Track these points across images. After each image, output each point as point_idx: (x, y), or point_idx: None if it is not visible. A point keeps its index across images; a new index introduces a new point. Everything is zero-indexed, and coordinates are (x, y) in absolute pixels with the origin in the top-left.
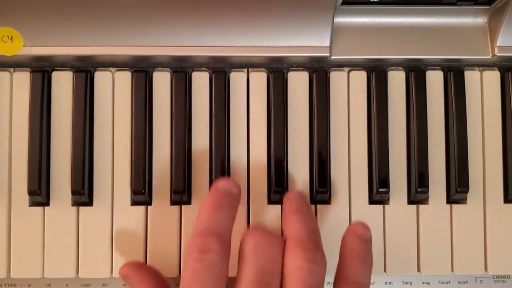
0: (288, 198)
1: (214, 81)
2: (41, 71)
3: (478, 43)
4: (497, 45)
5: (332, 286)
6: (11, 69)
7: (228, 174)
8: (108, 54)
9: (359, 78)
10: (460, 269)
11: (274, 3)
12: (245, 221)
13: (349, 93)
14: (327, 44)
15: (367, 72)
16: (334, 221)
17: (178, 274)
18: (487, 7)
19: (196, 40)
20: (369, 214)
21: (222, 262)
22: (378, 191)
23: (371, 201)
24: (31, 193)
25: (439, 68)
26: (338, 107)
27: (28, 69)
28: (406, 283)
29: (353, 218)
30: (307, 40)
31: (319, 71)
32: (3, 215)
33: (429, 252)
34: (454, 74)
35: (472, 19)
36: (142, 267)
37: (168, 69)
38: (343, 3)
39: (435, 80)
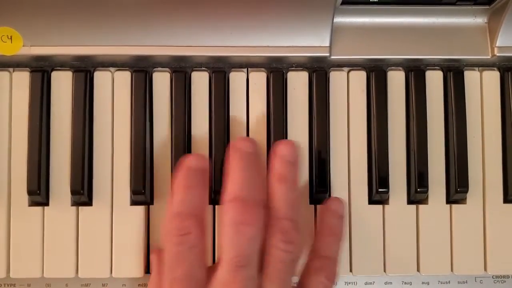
0: (279, 154)
1: (214, 81)
2: (41, 71)
3: (477, 43)
4: (497, 45)
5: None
6: (11, 69)
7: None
8: (107, 54)
9: (359, 78)
10: (460, 269)
11: (274, 3)
12: None
13: (348, 93)
14: (327, 44)
15: (366, 72)
16: None
17: None
18: (487, 7)
19: (196, 40)
20: (368, 214)
21: (201, 242)
22: (378, 191)
23: (371, 201)
24: (30, 193)
25: (438, 68)
26: (337, 107)
27: (28, 69)
28: (405, 283)
29: (353, 218)
30: (307, 40)
31: (319, 71)
32: (2, 215)
33: (428, 252)
34: (453, 74)
35: (472, 19)
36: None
37: (167, 69)
38: (343, 3)
39: (434, 80)
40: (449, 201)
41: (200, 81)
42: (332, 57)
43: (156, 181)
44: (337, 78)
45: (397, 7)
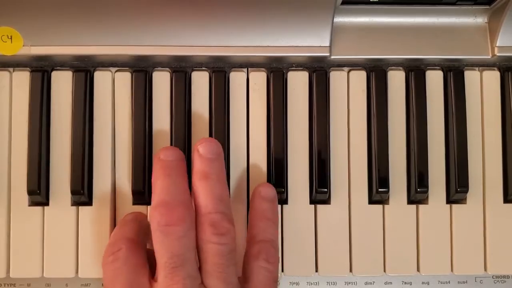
0: (199, 153)
1: (214, 81)
2: (41, 70)
3: (478, 43)
4: (497, 45)
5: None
6: (11, 69)
7: (228, 174)
8: (107, 54)
9: (359, 78)
10: (460, 269)
11: (274, 3)
12: (245, 220)
13: (349, 93)
14: (327, 44)
15: (367, 72)
16: (333, 221)
17: None
18: (487, 7)
19: (196, 40)
20: (369, 214)
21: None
22: (378, 191)
23: (371, 201)
24: (30, 192)
25: (439, 68)
26: (338, 107)
27: (28, 68)
28: (405, 283)
29: (352, 218)
30: (307, 40)
31: (319, 71)
32: (2, 214)
33: (428, 252)
34: (454, 74)
35: (472, 19)
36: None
37: (168, 69)
38: (343, 3)
39: (435, 80)
40: (449, 201)
41: (200, 81)
42: (332, 57)
43: None
44: (337, 78)
45: (397, 7)
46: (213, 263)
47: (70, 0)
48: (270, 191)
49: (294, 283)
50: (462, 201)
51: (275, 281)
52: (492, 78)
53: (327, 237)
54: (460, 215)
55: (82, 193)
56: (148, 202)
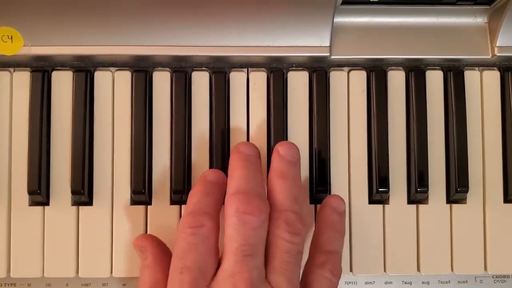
0: (279, 154)
1: (214, 81)
2: (41, 70)
3: (478, 43)
4: (497, 45)
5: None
6: (11, 69)
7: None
8: (108, 53)
9: (359, 78)
10: (460, 268)
11: (274, 3)
12: None
13: (349, 93)
14: (327, 44)
15: (367, 72)
16: None
17: None
18: (487, 7)
19: (196, 40)
20: (369, 213)
21: (213, 237)
22: (378, 190)
23: (371, 201)
24: (31, 192)
25: (439, 68)
26: (338, 107)
27: (28, 68)
28: (406, 282)
29: (353, 218)
30: (307, 40)
31: (319, 71)
32: (3, 214)
33: (429, 252)
34: (454, 74)
35: (472, 19)
36: (157, 242)
37: (168, 69)
38: (343, 3)
39: (435, 80)
40: (449, 201)
41: (200, 81)
42: (332, 57)
43: (154, 181)
44: (337, 78)
45: (397, 7)
46: (282, 260)
47: (70, 0)
48: (341, 204)
49: None
50: (462, 201)
51: None
52: (492, 78)
53: None
54: (460, 215)
55: (82, 193)
56: (148, 202)
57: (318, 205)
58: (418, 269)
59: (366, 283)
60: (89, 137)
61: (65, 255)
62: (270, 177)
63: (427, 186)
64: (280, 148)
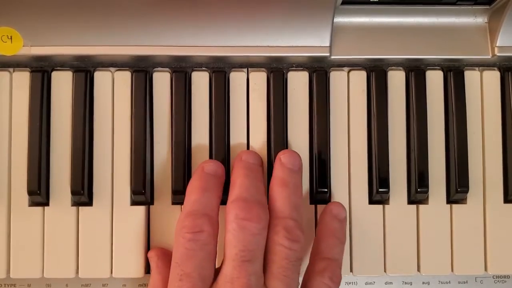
0: (281, 162)
1: (214, 81)
2: (41, 71)
3: (478, 43)
4: (497, 45)
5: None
6: (11, 69)
7: (228, 174)
8: (107, 54)
9: (359, 78)
10: (460, 269)
11: (274, 3)
12: None
13: (349, 93)
14: (327, 44)
15: (367, 72)
16: None
17: None
18: (487, 7)
19: (196, 40)
20: (369, 214)
21: (212, 242)
22: (378, 191)
23: (371, 201)
24: (30, 193)
25: (439, 68)
26: (338, 107)
27: (28, 69)
28: (406, 283)
29: (353, 218)
30: (307, 40)
31: (319, 71)
32: (2, 215)
33: (429, 252)
34: (454, 74)
35: (472, 19)
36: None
37: (168, 69)
38: (343, 3)
39: (435, 80)
40: (450, 201)
41: (200, 81)
42: (332, 57)
43: (156, 181)
44: (337, 78)
45: (397, 7)
46: (280, 266)
47: (70, 0)
48: (342, 211)
49: None
50: (462, 201)
51: None
52: (492, 78)
53: None
54: (460, 215)
55: (82, 193)
56: (148, 203)
57: (318, 206)
58: (418, 270)
59: (366, 283)
60: (89, 137)
61: (65, 255)
62: (271, 184)
63: (427, 186)
64: (282, 156)
